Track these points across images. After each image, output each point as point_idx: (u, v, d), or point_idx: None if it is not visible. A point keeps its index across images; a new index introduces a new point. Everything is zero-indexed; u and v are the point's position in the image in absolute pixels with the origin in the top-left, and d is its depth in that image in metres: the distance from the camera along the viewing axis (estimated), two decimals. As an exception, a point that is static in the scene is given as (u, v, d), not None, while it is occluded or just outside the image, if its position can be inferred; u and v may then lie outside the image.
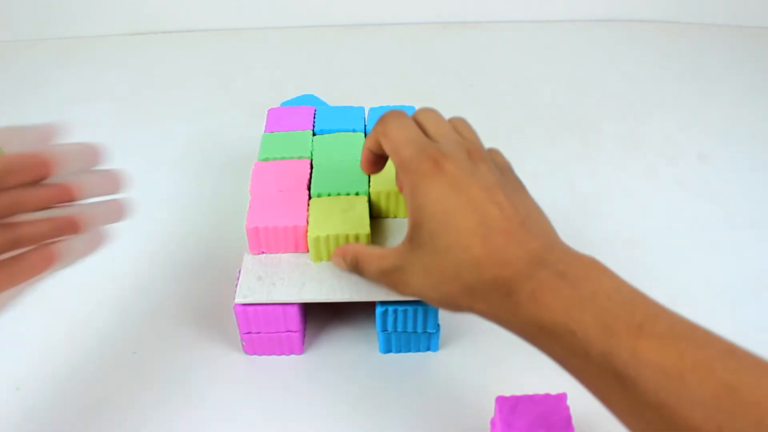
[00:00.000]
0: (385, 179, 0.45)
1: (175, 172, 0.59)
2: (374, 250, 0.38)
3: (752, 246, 0.51)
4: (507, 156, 0.62)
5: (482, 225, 0.32)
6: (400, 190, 0.40)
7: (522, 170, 0.58)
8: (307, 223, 0.42)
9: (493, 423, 0.37)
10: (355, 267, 0.39)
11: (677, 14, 0.81)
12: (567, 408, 0.35)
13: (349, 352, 0.43)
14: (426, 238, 0.33)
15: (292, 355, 0.43)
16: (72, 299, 0.47)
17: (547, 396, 0.35)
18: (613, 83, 0.71)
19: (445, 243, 0.33)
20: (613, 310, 0.28)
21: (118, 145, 0.62)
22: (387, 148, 0.36)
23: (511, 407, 0.35)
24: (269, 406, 0.40)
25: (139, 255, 0.50)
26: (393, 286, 0.36)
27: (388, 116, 0.37)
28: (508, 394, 0.36)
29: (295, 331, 0.42)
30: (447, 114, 0.65)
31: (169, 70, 0.75)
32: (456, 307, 0.34)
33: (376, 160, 0.40)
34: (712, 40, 0.79)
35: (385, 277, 0.37)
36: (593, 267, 0.31)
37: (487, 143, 0.61)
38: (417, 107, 0.52)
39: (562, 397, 0.35)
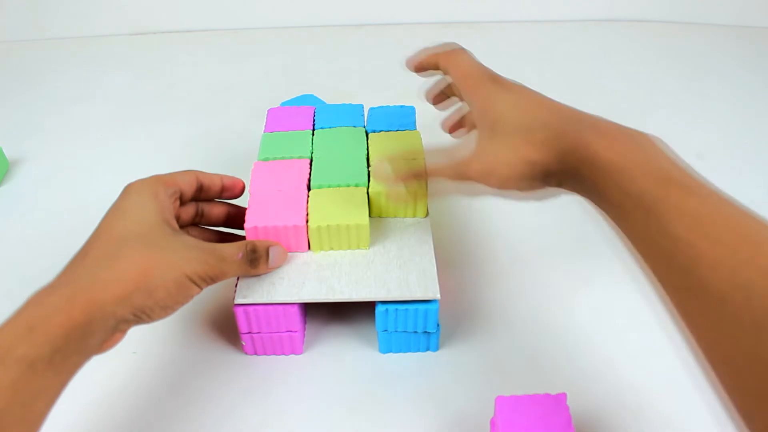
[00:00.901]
0: (385, 179, 0.45)
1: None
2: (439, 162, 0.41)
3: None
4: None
5: (545, 103, 0.38)
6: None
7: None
8: (307, 219, 0.42)
9: (493, 423, 0.37)
10: (424, 176, 0.42)
11: (677, 14, 0.81)
12: (566, 408, 0.35)
13: (349, 352, 0.43)
14: (497, 128, 0.38)
15: (292, 355, 0.43)
16: (72, 299, 0.47)
17: (547, 396, 0.35)
18: (613, 83, 0.71)
19: (513, 124, 0.37)
20: (666, 166, 0.33)
21: (118, 145, 0.63)
22: (455, 75, 0.41)
23: (511, 407, 0.35)
24: (269, 406, 0.40)
25: (139, 255, 0.50)
26: (463, 174, 0.39)
27: (454, 52, 0.43)
28: (508, 394, 0.36)
29: (295, 331, 0.42)
30: (446, 114, 0.66)
31: (169, 70, 0.75)
32: (531, 169, 0.37)
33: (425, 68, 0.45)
34: (712, 40, 0.79)
35: (458, 167, 0.39)
36: (653, 138, 0.36)
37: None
38: (417, 107, 0.52)
39: (561, 397, 0.35)
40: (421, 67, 0.44)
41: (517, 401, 0.35)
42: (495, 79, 0.40)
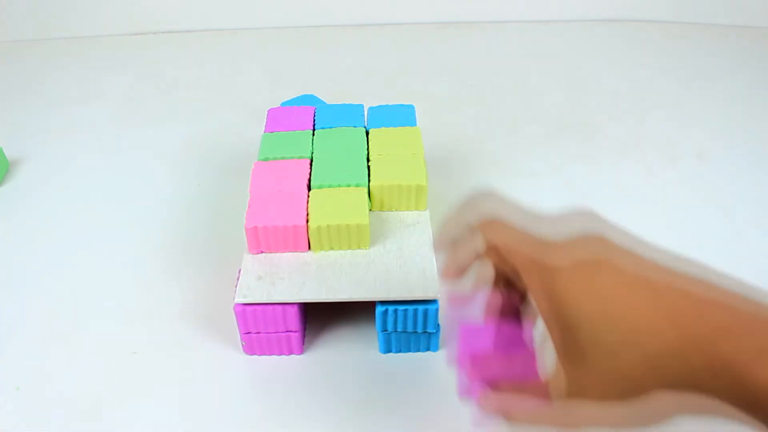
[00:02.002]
0: (386, 174, 0.45)
1: (175, 172, 0.59)
2: (532, 400, 0.30)
3: (752, 246, 0.51)
4: (506, 155, 0.62)
5: (656, 299, 0.26)
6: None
7: (522, 170, 0.59)
8: (307, 219, 0.42)
9: (458, 348, 0.35)
10: (527, 420, 0.31)
11: (677, 14, 0.81)
12: (530, 332, 0.33)
13: (349, 352, 0.43)
14: (586, 342, 0.27)
15: (292, 355, 0.43)
16: (72, 299, 0.47)
17: (510, 324, 0.34)
18: (613, 83, 0.71)
19: (617, 336, 0.26)
20: None
21: (118, 146, 0.63)
22: (514, 257, 0.30)
23: (473, 333, 0.34)
24: (269, 406, 0.40)
25: (139, 255, 0.50)
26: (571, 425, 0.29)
27: (492, 224, 0.32)
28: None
29: (295, 331, 0.41)
30: (448, 114, 0.66)
31: (169, 70, 0.75)
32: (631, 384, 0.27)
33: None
34: (712, 40, 0.79)
35: (566, 418, 0.29)
36: None
37: (488, 143, 0.62)
38: (417, 107, 0.52)
39: (523, 326, 0.34)
40: (462, 267, 0.32)
41: (480, 328, 0.34)
42: (573, 265, 0.28)
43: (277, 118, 0.51)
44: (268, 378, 0.42)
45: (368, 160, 0.47)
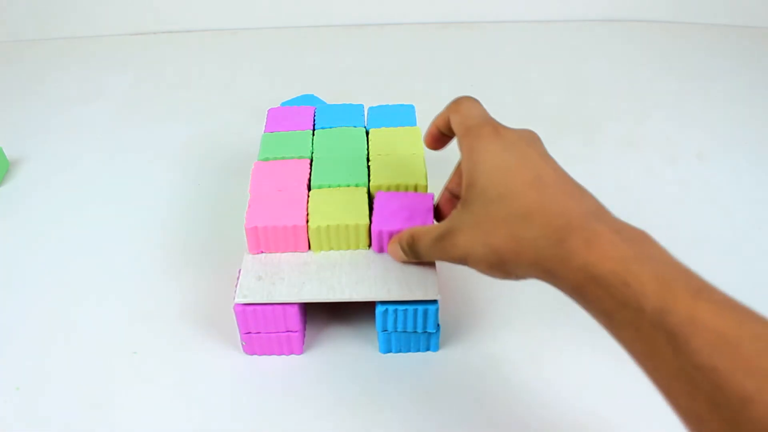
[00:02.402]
0: (386, 174, 0.45)
1: (175, 172, 0.59)
2: (425, 227, 0.39)
3: (752, 246, 0.51)
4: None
5: (537, 179, 0.33)
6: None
7: (522, 170, 0.59)
8: (307, 218, 0.42)
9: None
10: (411, 246, 0.39)
11: (677, 14, 0.81)
12: (431, 199, 0.43)
13: (349, 352, 0.43)
14: (478, 193, 0.34)
15: (292, 355, 0.43)
16: (72, 299, 0.47)
17: (417, 194, 0.44)
18: (613, 83, 0.71)
19: (497, 193, 0.33)
20: (671, 271, 0.28)
21: (117, 146, 0.63)
22: (455, 121, 0.38)
23: (386, 198, 0.43)
24: (269, 406, 0.40)
25: (139, 255, 0.50)
26: (444, 252, 0.36)
27: (462, 98, 0.40)
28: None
29: (295, 331, 0.42)
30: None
31: (169, 70, 0.75)
32: (501, 264, 0.33)
33: (440, 137, 0.41)
34: (712, 40, 0.79)
35: (437, 244, 0.37)
36: (647, 236, 0.31)
37: (487, 143, 0.62)
38: (417, 107, 0.52)
39: (429, 196, 0.43)
40: (437, 131, 0.41)
41: (392, 195, 0.43)
42: (495, 130, 0.36)
43: (277, 118, 0.51)
44: (268, 378, 0.42)
45: (368, 160, 0.47)
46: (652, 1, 0.82)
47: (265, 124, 0.51)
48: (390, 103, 0.53)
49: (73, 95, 0.70)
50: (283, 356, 0.43)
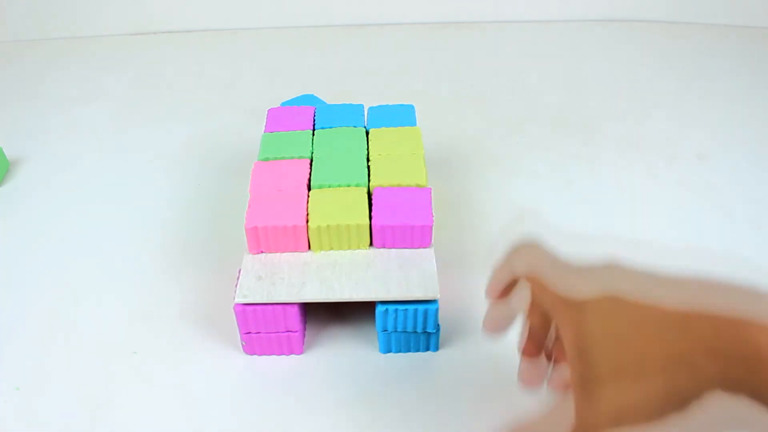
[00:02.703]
0: (386, 174, 0.45)
1: (175, 172, 0.59)
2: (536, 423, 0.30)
3: (752, 246, 0.51)
4: (506, 155, 0.62)
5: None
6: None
7: (522, 170, 0.59)
8: (307, 218, 0.42)
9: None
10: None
11: (677, 14, 0.81)
12: (429, 194, 0.43)
13: (349, 352, 0.43)
14: (605, 371, 0.27)
15: (292, 355, 0.43)
16: (72, 299, 0.47)
17: (415, 189, 0.44)
18: (613, 83, 0.71)
19: (632, 364, 0.26)
20: None
21: (117, 146, 0.63)
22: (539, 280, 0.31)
23: (385, 194, 0.44)
24: (269, 406, 0.40)
25: (139, 255, 0.50)
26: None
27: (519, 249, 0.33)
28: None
29: (295, 331, 0.41)
30: (448, 114, 0.66)
31: (169, 70, 0.75)
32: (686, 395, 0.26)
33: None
34: (712, 40, 0.79)
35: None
36: None
37: (488, 143, 0.62)
38: (417, 107, 0.52)
39: (427, 191, 0.44)
40: (503, 288, 0.34)
41: (390, 191, 0.44)
42: (612, 309, 0.28)
43: (277, 118, 0.51)
44: (268, 378, 0.42)
45: (368, 160, 0.47)
46: (652, 1, 0.82)
47: (265, 124, 0.51)
48: (390, 103, 0.53)
49: (73, 95, 0.70)
50: (283, 356, 0.43)
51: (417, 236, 0.42)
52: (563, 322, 0.29)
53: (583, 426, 0.27)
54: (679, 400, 0.26)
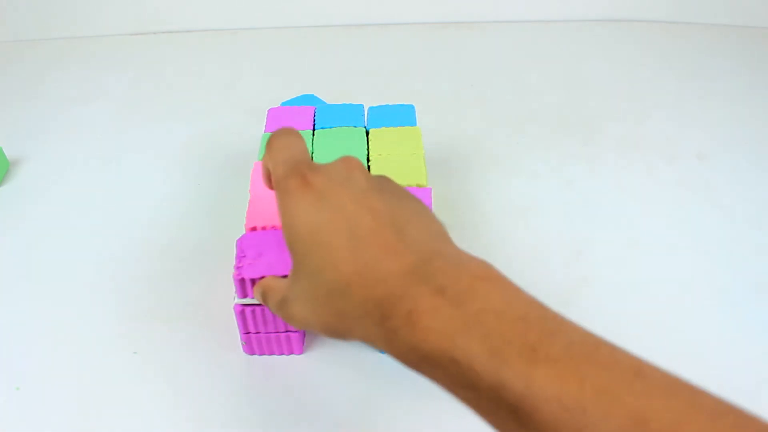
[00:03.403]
0: (386, 172, 0.45)
1: (175, 172, 0.59)
2: (275, 281, 0.35)
3: (752, 246, 0.51)
4: (506, 155, 0.62)
5: (352, 237, 0.28)
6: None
7: (522, 170, 0.59)
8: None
9: None
10: (264, 300, 0.36)
11: (677, 14, 0.81)
12: (429, 194, 0.42)
13: (349, 352, 0.43)
14: (300, 261, 0.30)
15: (292, 355, 0.43)
16: (72, 299, 0.47)
17: (415, 189, 0.43)
18: (613, 83, 0.71)
19: (315, 264, 0.29)
20: (503, 331, 0.24)
21: (117, 146, 0.63)
22: (269, 168, 0.33)
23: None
24: (269, 406, 0.40)
25: (139, 255, 0.50)
26: (287, 318, 0.33)
27: (274, 135, 0.34)
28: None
29: (295, 331, 0.41)
30: (448, 114, 0.66)
31: (169, 70, 0.75)
32: (339, 337, 0.30)
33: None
34: (712, 40, 0.79)
35: (279, 311, 0.34)
36: (481, 276, 0.26)
37: (488, 143, 0.62)
38: (417, 107, 0.53)
39: (427, 191, 0.43)
40: (267, 174, 0.36)
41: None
42: (304, 179, 0.30)
43: (277, 118, 0.51)
44: (268, 378, 0.42)
45: (368, 160, 0.47)
46: (652, 1, 0.82)
47: (265, 124, 0.51)
48: (390, 103, 0.53)
49: (73, 95, 0.70)
50: (283, 356, 0.43)
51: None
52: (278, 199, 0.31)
53: (291, 295, 0.32)
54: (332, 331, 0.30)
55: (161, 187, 0.57)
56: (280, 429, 0.39)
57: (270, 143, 0.34)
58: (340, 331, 0.29)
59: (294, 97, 0.60)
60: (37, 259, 0.51)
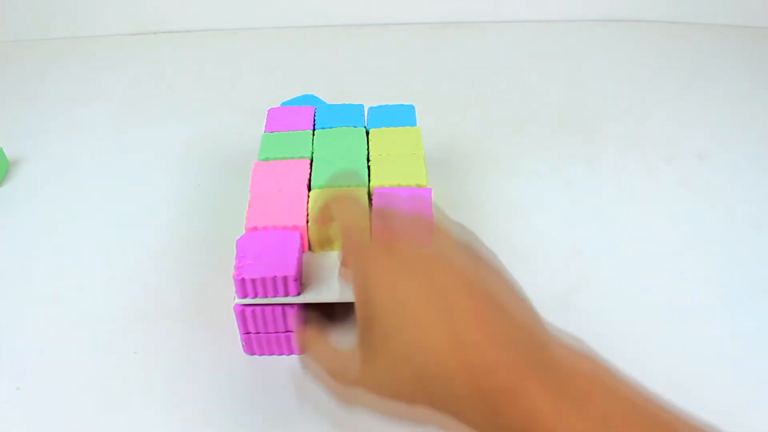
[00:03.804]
0: (386, 174, 0.45)
1: (175, 172, 0.59)
2: (332, 353, 0.32)
3: (752, 246, 0.51)
4: (506, 155, 0.62)
5: (449, 317, 0.25)
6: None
7: (522, 170, 0.59)
8: (307, 219, 0.42)
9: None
10: (324, 376, 0.33)
11: (677, 14, 0.81)
12: (429, 193, 0.42)
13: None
14: (378, 341, 0.27)
15: (292, 355, 0.43)
16: (72, 299, 0.47)
17: (415, 188, 0.43)
18: (613, 83, 0.71)
19: (402, 345, 0.26)
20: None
21: (117, 146, 0.63)
22: (340, 229, 0.31)
23: (385, 195, 0.43)
24: (269, 406, 0.40)
25: (139, 255, 0.50)
26: (347, 401, 0.31)
27: (339, 197, 0.32)
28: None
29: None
30: (448, 114, 0.66)
31: (169, 70, 0.75)
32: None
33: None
34: (712, 40, 0.79)
35: (344, 391, 0.31)
36: (595, 375, 0.25)
37: (488, 143, 0.62)
38: (417, 107, 0.52)
39: (427, 191, 0.43)
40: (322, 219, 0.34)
41: (390, 191, 0.43)
42: (388, 245, 0.28)
43: (277, 118, 0.51)
44: (268, 378, 0.42)
45: (368, 160, 0.47)
46: (652, 1, 0.81)
47: (265, 124, 0.51)
48: (390, 103, 0.53)
49: (73, 95, 0.70)
50: (283, 356, 0.43)
51: (417, 237, 0.42)
52: (353, 264, 0.29)
53: (362, 378, 0.28)
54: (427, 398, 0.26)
55: (161, 187, 0.57)
56: (280, 429, 0.39)
57: (335, 203, 0.32)
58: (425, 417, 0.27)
59: (294, 97, 0.60)
60: (37, 259, 0.51)
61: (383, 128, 0.50)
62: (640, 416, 0.24)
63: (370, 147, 0.48)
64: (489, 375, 0.24)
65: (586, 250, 0.51)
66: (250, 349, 0.43)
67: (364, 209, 0.31)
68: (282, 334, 0.41)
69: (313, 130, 0.50)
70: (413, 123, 0.50)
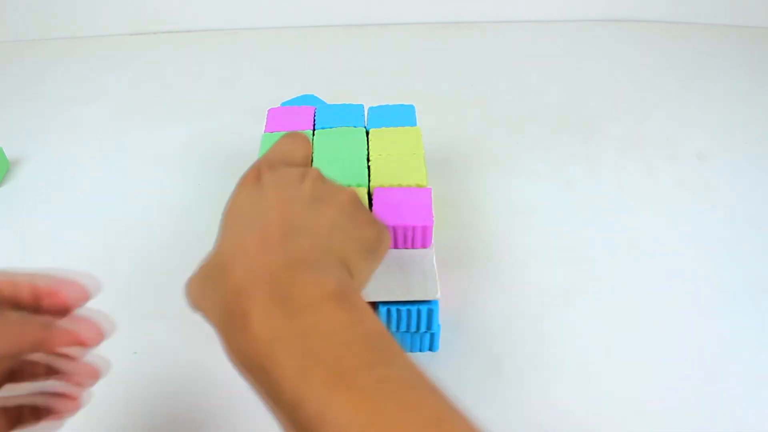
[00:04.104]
0: (386, 174, 0.45)
1: (175, 172, 0.59)
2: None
3: (752, 246, 0.51)
4: (506, 155, 0.62)
5: (249, 227, 0.28)
6: None
7: (522, 170, 0.59)
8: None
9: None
10: None
11: (677, 14, 0.81)
12: (429, 194, 0.43)
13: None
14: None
15: (292, 355, 0.43)
16: (72, 299, 0.47)
17: (414, 189, 0.43)
18: (613, 83, 0.71)
19: (219, 240, 0.29)
20: (320, 352, 0.24)
21: (117, 146, 0.63)
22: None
23: (385, 194, 0.43)
24: (269, 406, 0.40)
25: (139, 255, 0.50)
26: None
27: (280, 138, 0.36)
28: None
29: (295, 331, 0.41)
30: (448, 114, 0.66)
31: (169, 70, 0.75)
32: (202, 312, 0.29)
33: None
34: (712, 40, 0.79)
35: None
36: (333, 295, 0.26)
37: (488, 143, 0.62)
38: (417, 107, 0.53)
39: (427, 191, 0.43)
40: None
41: (390, 191, 0.43)
42: (258, 174, 0.31)
43: (277, 118, 0.51)
44: (268, 378, 0.42)
45: (368, 160, 0.47)
46: (652, 1, 0.82)
47: (265, 124, 0.51)
48: (390, 103, 0.53)
49: (73, 95, 0.70)
50: (283, 356, 0.43)
51: (417, 236, 0.42)
52: None
53: None
54: None
55: (161, 187, 0.57)
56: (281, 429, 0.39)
57: (273, 145, 0.35)
58: (201, 307, 0.29)
59: (294, 97, 0.60)
60: (37, 258, 0.51)
61: (383, 128, 0.50)
62: (340, 339, 0.24)
63: (370, 147, 0.48)
64: (247, 276, 0.26)
65: (586, 250, 0.51)
66: (250, 349, 0.43)
67: (302, 150, 0.34)
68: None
69: (313, 130, 0.50)
70: (413, 123, 0.50)
